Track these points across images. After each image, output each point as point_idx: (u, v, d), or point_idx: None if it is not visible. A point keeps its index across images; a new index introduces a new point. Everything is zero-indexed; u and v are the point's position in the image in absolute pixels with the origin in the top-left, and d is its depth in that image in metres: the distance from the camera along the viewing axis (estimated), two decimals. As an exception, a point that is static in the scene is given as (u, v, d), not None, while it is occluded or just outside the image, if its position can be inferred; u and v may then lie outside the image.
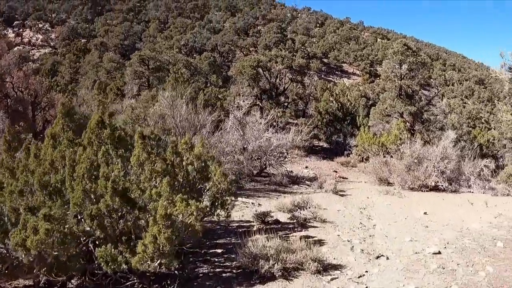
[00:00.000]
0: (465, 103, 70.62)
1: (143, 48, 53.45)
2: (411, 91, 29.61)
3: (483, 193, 19.91)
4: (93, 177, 8.13)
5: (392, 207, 15.72)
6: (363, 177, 23.15)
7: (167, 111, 17.97)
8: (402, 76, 29.14)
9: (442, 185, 19.73)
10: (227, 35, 67.62)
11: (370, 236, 11.48)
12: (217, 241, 11.02)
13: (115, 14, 79.43)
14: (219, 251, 10.16)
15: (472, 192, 20.01)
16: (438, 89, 34.37)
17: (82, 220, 8.11)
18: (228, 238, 11.16)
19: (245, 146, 19.83)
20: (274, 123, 27.77)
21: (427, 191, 19.31)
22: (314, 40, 79.98)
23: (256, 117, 20.90)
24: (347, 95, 36.05)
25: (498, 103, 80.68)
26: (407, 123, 28.58)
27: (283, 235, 11.05)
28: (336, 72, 70.20)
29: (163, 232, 7.08)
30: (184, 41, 59.05)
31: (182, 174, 9.32)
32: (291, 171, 23.28)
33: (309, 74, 33.14)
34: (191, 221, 7.52)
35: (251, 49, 63.94)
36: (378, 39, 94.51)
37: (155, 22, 75.59)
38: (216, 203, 9.62)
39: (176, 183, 9.05)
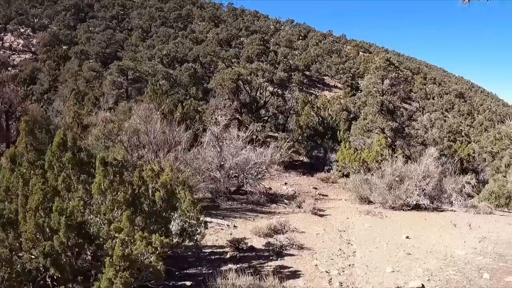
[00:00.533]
0: (445, 116, 70.63)
1: (124, 57, 52.42)
2: (392, 107, 29.13)
3: (466, 211, 19.38)
4: (48, 209, 7.36)
5: (373, 229, 15.07)
6: (344, 195, 22.53)
7: (141, 126, 17.14)
8: (384, 92, 28.65)
9: (424, 204, 19.13)
10: (209, 45, 66.92)
11: (349, 265, 10.76)
12: (187, 271, 10.24)
13: (98, 21, 78.15)
14: (188, 283, 9.36)
15: (455, 211, 19.46)
16: (419, 103, 33.89)
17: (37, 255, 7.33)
18: (199, 268, 10.38)
19: (222, 163, 19.07)
20: (254, 137, 27.13)
21: (408, 210, 18.74)
22: (297, 53, 79.62)
23: (234, 133, 20.10)
24: (328, 109, 35.51)
25: (478, 117, 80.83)
26: (388, 139, 28.06)
27: (258, 265, 10.33)
28: (318, 85, 69.84)
29: (120, 276, 6.33)
30: (166, 51, 58.17)
31: (147, 203, 8.56)
32: (270, 188, 22.60)
33: (290, 87, 32.47)
34: (152, 262, 6.74)
35: (233, 60, 63.26)
36: (360, 53, 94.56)
37: (137, 31, 74.61)
38: (185, 234, 8.88)
39: (141, 213, 8.29)
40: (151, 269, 6.87)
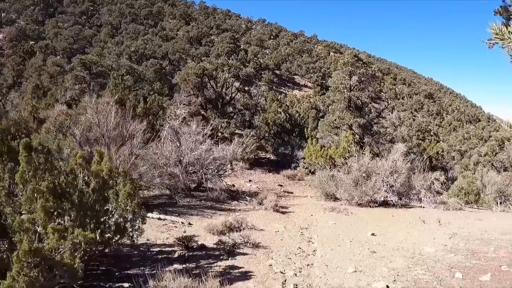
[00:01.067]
0: (414, 116, 70.56)
1: (91, 53, 50.84)
2: (360, 103, 28.39)
3: (435, 207, 18.69)
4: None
5: (337, 226, 14.17)
6: (310, 192, 21.66)
7: (93, 119, 15.96)
8: (352, 88, 27.89)
9: (392, 200, 18.36)
10: (179, 43, 65.66)
11: (308, 265, 9.76)
12: (129, 271, 9.12)
13: (67, 17, 76.05)
14: (126, 285, 8.27)
15: (423, 207, 18.76)
16: (388, 102, 33.22)
17: None
18: (142, 268, 9.27)
19: (180, 159, 18.02)
20: (219, 134, 26.11)
21: (376, 206, 17.94)
22: (267, 52, 78.78)
23: (193, 127, 19.03)
24: (296, 107, 34.66)
25: (447, 117, 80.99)
26: (356, 136, 27.30)
27: (206, 265, 9.31)
28: (288, 84, 69.10)
29: (24, 274, 5.27)
30: (135, 48, 56.75)
31: (77, 194, 7.49)
32: (233, 185, 21.65)
33: (256, 83, 31.48)
34: (64, 259, 5.67)
35: (203, 58, 62.04)
36: (331, 53, 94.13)
37: (107, 27, 72.93)
38: (119, 229, 7.82)
39: (72, 205, 7.22)
40: (64, 268, 5.79)
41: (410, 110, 75.74)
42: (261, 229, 13.07)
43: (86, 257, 7.13)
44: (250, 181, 23.77)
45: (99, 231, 7.37)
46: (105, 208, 7.76)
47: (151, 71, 37.44)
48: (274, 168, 28.11)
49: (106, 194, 7.70)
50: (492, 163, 41.03)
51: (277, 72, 70.56)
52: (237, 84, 31.37)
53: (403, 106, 76.78)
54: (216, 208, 16.33)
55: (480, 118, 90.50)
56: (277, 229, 13.36)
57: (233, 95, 31.20)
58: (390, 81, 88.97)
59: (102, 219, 7.66)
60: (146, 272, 8.82)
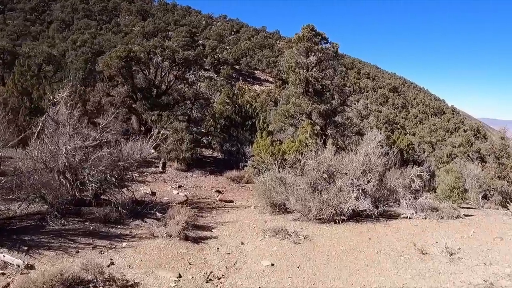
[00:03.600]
0: (379, 110, 65.19)
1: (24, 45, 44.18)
2: (320, 87, 22.27)
3: (425, 217, 12.75)
4: None
5: (276, 273, 8.00)
6: (255, 199, 15.37)
7: None
8: (309, 68, 21.79)
9: (366, 210, 12.25)
10: (134, 38, 59.08)
11: None
12: None
13: (16, 13, 69.57)
14: None
15: (409, 218, 12.72)
16: (353, 88, 27.12)
17: None
18: None
19: (65, 162, 11.57)
20: (154, 130, 19.91)
21: (343, 221, 11.81)
22: (227, 47, 72.62)
23: (72, 113, 12.50)
24: (246, 96, 28.50)
25: (411, 110, 76.45)
26: (317, 126, 21.25)
27: None
28: (248, 79, 62.99)
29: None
30: (80, 42, 49.99)
31: None
32: (153, 193, 15.44)
33: (194, 68, 25.13)
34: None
35: (156, 52, 55.64)
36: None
37: (56, 23, 66.19)
38: None
39: None
40: None
41: (375, 104, 70.35)
42: (131, 284, 6.85)
43: None
44: (180, 187, 17.49)
45: None
46: None
47: (80, 61, 31.01)
48: (219, 168, 21.86)
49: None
50: (468, 154, 35.78)
51: (237, 67, 64.39)
52: (176, 71, 24.94)
53: (367, 99, 71.28)
54: (98, 235, 10.07)
55: (445, 110, 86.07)
56: (163, 281, 7.10)
57: (171, 83, 24.72)
58: (354, 75, 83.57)
59: None
60: None
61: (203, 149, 25.61)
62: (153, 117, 21.67)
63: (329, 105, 22.07)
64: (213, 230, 11.06)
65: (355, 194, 12.25)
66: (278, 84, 58.36)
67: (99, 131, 13.24)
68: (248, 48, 72.12)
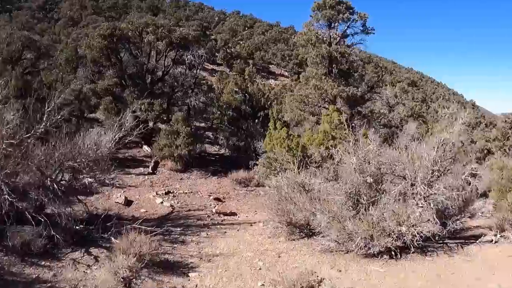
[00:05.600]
0: (403, 103, 59.98)
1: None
2: (346, 66, 17.44)
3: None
4: None
5: None
6: (265, 211, 10.55)
7: None
8: (332, 43, 17.01)
9: (438, 235, 7.47)
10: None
11: None
12: None
13: (23, 11, 66.19)
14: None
15: (495, 242, 8.03)
16: (382, 74, 22.14)
17: None
18: None
19: None
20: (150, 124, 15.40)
21: (403, 251, 7.05)
22: (240, 42, 67.87)
23: None
24: (257, 84, 23.73)
25: (432, 104, 71.00)
26: (344, 114, 16.43)
27: None
28: (262, 73, 58.05)
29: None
30: (83, 34, 45.66)
31: None
32: (126, 202, 10.89)
33: (192, 47, 20.19)
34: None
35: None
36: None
37: (64, 20, 62.43)
38: None
39: None
40: None
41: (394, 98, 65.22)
42: None
43: None
44: (168, 193, 12.82)
45: None
46: None
47: (70, 48, 26.59)
48: (224, 168, 17.17)
49: None
50: (504, 149, 30.73)
51: (250, 61, 59.56)
52: (173, 53, 20.21)
53: (388, 93, 66.20)
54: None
55: (465, 105, 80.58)
56: None
57: (169, 69, 20.00)
58: (372, 69, 78.30)
59: None
60: None
61: (208, 145, 20.92)
62: (142, 106, 17.00)
63: (357, 89, 17.29)
64: (190, 274, 6.39)
65: (419, 209, 7.48)
66: (294, 79, 53.48)
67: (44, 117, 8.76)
68: (262, 42, 67.35)
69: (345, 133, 11.86)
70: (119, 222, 8.34)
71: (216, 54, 55.78)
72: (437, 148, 7.56)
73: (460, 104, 79.70)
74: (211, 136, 22.31)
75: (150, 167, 15.94)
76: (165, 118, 18.13)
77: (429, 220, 7.28)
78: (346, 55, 16.57)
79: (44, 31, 57.12)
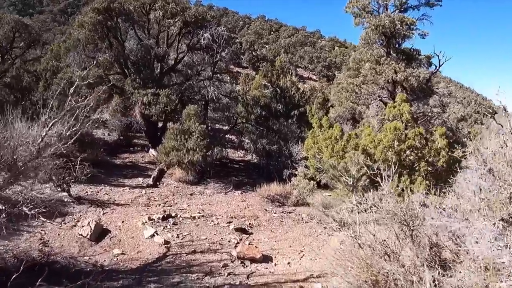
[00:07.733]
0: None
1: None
2: (408, 48, 12.91)
3: None
4: None
5: None
6: (317, 249, 6.04)
7: None
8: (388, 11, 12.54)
9: None
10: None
11: None
12: None
13: (44, 16, 64.65)
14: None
15: None
16: (440, 58, 17.40)
17: None
18: None
19: None
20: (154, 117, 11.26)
21: None
22: (265, 45, 63.80)
23: None
24: (291, 76, 19.42)
25: (465, 109, 65.86)
26: (411, 107, 11.89)
27: None
28: (290, 76, 53.77)
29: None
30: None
31: None
32: (105, 230, 6.61)
33: (211, 27, 15.58)
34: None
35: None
36: (336, 47, 78.53)
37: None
38: None
39: None
40: None
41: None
42: None
43: None
44: (166, 218, 8.49)
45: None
46: None
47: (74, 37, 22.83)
48: (251, 179, 12.84)
49: None
50: None
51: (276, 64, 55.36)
52: (186, 40, 15.85)
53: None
54: None
55: (496, 110, 74.88)
56: None
57: (183, 56, 15.70)
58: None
59: None
60: None
61: (230, 150, 16.61)
62: (145, 98, 12.73)
63: (419, 69, 12.83)
64: None
65: None
66: (323, 81, 48.99)
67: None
68: (289, 44, 63.14)
69: (418, 133, 7.45)
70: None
71: (241, 56, 51.93)
72: None
73: (491, 109, 74.32)
74: (235, 140, 18.05)
75: (152, 177, 11.67)
76: (172, 113, 13.87)
77: None
78: (411, 25, 12.01)
79: (63, 33, 54.48)
